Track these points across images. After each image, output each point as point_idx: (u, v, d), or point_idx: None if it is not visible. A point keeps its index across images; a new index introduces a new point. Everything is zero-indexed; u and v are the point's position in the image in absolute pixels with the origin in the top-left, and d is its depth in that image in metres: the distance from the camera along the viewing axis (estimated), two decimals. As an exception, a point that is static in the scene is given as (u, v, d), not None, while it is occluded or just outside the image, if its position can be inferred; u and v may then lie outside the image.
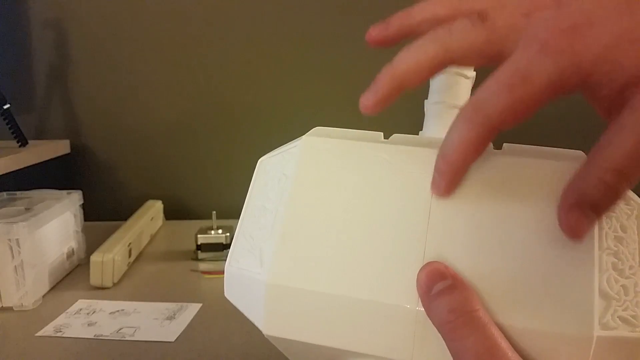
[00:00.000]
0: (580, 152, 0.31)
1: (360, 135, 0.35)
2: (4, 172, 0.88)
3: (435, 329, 0.28)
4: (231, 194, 1.09)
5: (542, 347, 0.27)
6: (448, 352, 0.27)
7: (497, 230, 0.29)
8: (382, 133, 0.35)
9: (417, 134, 0.38)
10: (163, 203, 1.03)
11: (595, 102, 0.27)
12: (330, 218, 0.32)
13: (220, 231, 0.83)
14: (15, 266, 0.66)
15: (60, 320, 0.64)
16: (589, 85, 0.25)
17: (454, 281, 0.27)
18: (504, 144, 0.33)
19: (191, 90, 1.06)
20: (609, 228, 0.29)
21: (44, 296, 0.70)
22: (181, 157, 1.09)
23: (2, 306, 0.66)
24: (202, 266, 0.80)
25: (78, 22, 1.05)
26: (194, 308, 0.66)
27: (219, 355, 0.56)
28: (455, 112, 0.34)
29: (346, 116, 1.00)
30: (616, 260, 0.28)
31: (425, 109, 0.40)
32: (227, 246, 0.83)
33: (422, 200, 0.31)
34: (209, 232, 0.83)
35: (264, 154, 0.38)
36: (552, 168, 0.30)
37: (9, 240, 0.65)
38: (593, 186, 0.25)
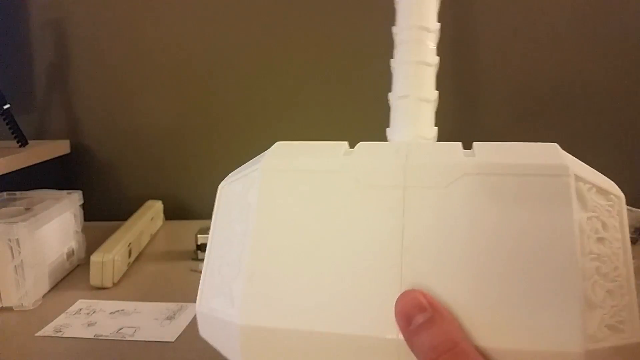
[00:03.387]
0: (553, 145, 0.30)
1: (324, 150, 0.33)
2: (4, 172, 0.88)
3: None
4: (231, 194, 1.08)
5: None
6: None
7: (473, 247, 0.28)
8: (347, 143, 0.33)
9: (385, 130, 0.37)
10: (163, 203, 1.03)
11: None
12: (298, 250, 0.30)
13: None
14: (15, 266, 0.66)
15: (60, 320, 0.64)
16: None
17: (434, 312, 0.26)
18: (474, 143, 0.31)
19: (192, 90, 1.06)
20: (590, 230, 0.27)
21: (44, 296, 0.70)
22: (181, 157, 1.09)
23: (2, 306, 0.66)
24: (202, 266, 0.80)
25: (78, 22, 1.05)
26: (194, 308, 0.66)
27: (219, 355, 0.56)
28: (422, 105, 0.33)
29: (341, 114, 1.01)
30: (600, 264, 0.27)
31: (390, 103, 0.38)
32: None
33: (393, 220, 0.29)
34: (209, 232, 0.83)
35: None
36: (528, 180, 0.28)
37: (9, 240, 0.65)
38: None
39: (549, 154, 0.29)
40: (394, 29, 0.37)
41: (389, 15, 1.01)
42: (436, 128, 0.35)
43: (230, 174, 0.35)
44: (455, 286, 0.27)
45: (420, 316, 0.26)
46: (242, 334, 0.30)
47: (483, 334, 0.27)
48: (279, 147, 0.35)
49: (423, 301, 0.27)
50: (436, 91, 0.36)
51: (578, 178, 0.28)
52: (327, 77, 1.04)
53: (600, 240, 0.28)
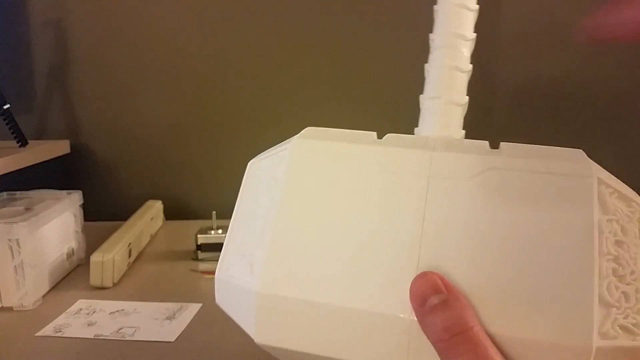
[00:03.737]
0: (579, 151, 0.31)
1: (352, 136, 0.34)
2: (4, 172, 0.88)
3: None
4: (231, 194, 1.08)
5: (539, 357, 0.26)
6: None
7: (493, 237, 0.28)
8: (375, 133, 0.34)
9: (413, 131, 0.38)
10: (163, 203, 1.03)
11: None
12: (321, 225, 0.31)
13: (220, 231, 0.83)
14: (15, 266, 0.66)
15: (60, 320, 0.64)
16: None
17: (449, 295, 0.27)
18: (501, 143, 0.32)
19: (192, 90, 1.06)
20: (609, 232, 0.28)
21: (44, 296, 0.70)
22: (181, 157, 1.09)
23: (2, 306, 0.66)
24: (202, 266, 0.80)
25: (78, 22, 1.05)
26: (194, 308, 0.66)
27: (219, 355, 0.56)
28: (452, 107, 0.34)
29: (341, 115, 1.01)
30: (617, 265, 0.27)
31: (420, 105, 0.39)
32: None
33: (415, 205, 0.30)
34: (209, 232, 0.83)
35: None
36: (552, 179, 0.29)
37: (9, 240, 0.65)
38: None
39: (574, 157, 0.30)
40: (431, 36, 0.39)
41: (389, 15, 1.01)
42: (464, 131, 0.36)
43: (259, 154, 0.36)
44: (471, 272, 0.28)
45: (435, 297, 0.27)
46: (258, 301, 0.31)
47: (494, 321, 0.27)
48: (309, 130, 0.36)
49: (439, 283, 0.27)
50: (467, 96, 0.37)
51: (601, 181, 0.29)
52: (331, 77, 1.04)
53: (619, 243, 0.28)
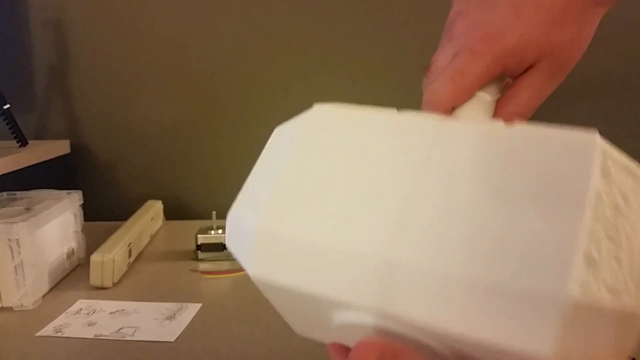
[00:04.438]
0: (592, 129, 0.30)
1: (371, 108, 0.36)
2: (4, 172, 0.88)
3: (404, 274, 0.29)
4: (231, 194, 1.08)
5: (515, 308, 0.26)
6: (416, 299, 0.28)
7: (471, 196, 0.29)
8: (395, 109, 0.36)
9: None
10: (163, 203, 1.03)
11: (511, 76, 0.38)
12: (323, 174, 0.34)
13: (220, 231, 0.83)
14: (15, 266, 0.66)
15: (60, 320, 0.64)
16: (507, 71, 0.36)
17: (395, 355, 0.29)
18: (516, 122, 0.33)
19: (191, 90, 1.07)
20: (608, 200, 0.27)
21: (44, 296, 0.70)
22: (181, 157, 1.09)
23: (2, 306, 0.66)
24: (202, 266, 0.80)
25: (78, 22, 1.05)
26: (194, 308, 0.66)
27: (219, 355, 0.56)
28: (480, 97, 0.36)
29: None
30: (614, 233, 0.27)
31: None
32: (230, 250, 0.83)
33: (413, 165, 0.32)
34: (209, 232, 0.83)
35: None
36: (555, 147, 0.29)
37: (9, 240, 0.65)
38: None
39: (584, 133, 0.30)
40: None
41: (394, 7, 1.01)
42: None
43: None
44: (456, 227, 0.29)
45: None
46: (255, 236, 0.33)
47: (474, 264, 0.27)
48: (332, 104, 0.38)
49: (377, 349, 0.29)
50: (496, 91, 0.38)
51: (606, 153, 0.28)
52: (333, 77, 1.04)
53: (619, 211, 0.27)
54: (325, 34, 1.03)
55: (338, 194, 0.32)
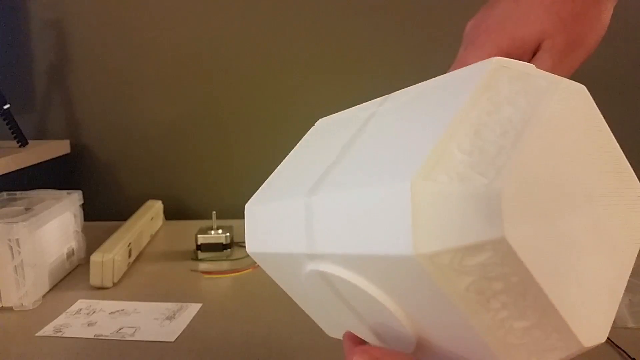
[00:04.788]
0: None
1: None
2: (4, 172, 0.88)
3: (322, 211, 0.31)
4: (231, 194, 1.08)
5: (373, 220, 0.27)
6: (335, 230, 0.30)
7: (382, 134, 0.33)
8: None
9: None
10: (163, 203, 1.03)
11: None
12: (295, 161, 0.41)
13: (220, 231, 0.83)
14: (15, 266, 0.66)
15: (60, 320, 0.64)
16: (513, 56, 0.36)
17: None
18: None
19: (191, 90, 1.07)
20: (488, 103, 0.28)
21: (44, 296, 0.70)
22: (181, 157, 1.09)
23: (2, 306, 0.66)
24: (202, 266, 0.80)
25: (78, 22, 1.05)
26: (194, 308, 0.66)
27: (219, 355, 0.56)
28: None
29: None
30: (483, 128, 0.27)
31: None
32: (227, 246, 0.83)
33: (348, 133, 0.37)
34: (209, 232, 0.83)
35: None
36: (461, 72, 0.33)
37: (9, 240, 0.65)
38: None
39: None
40: None
41: (394, 8, 1.00)
42: None
43: None
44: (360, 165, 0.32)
45: None
46: (247, 215, 0.39)
47: (359, 188, 0.29)
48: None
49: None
50: None
51: (502, 68, 0.30)
52: (332, 77, 1.04)
53: (497, 112, 0.28)
54: (326, 34, 1.03)
55: (295, 171, 0.38)
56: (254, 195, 0.41)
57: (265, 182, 0.42)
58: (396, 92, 0.38)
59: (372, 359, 0.29)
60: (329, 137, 0.40)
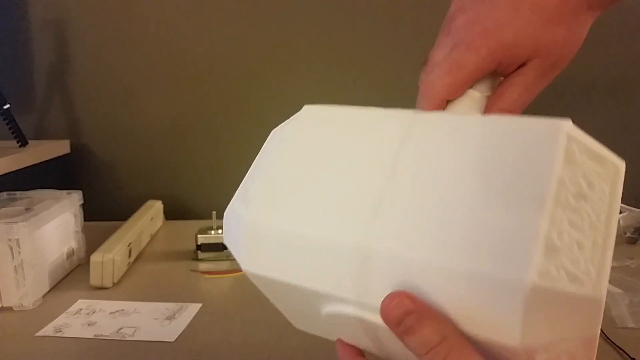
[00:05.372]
0: (566, 119, 0.30)
1: (356, 107, 0.38)
2: (4, 172, 0.88)
3: (381, 266, 0.29)
4: (231, 194, 1.08)
5: (476, 290, 0.26)
6: (389, 289, 0.29)
7: (449, 182, 0.30)
8: (382, 107, 0.38)
9: None
10: (163, 203, 1.03)
11: (503, 74, 0.38)
12: (306, 169, 0.35)
13: (220, 231, 0.83)
14: (15, 266, 0.66)
15: (60, 320, 0.64)
16: (500, 67, 0.37)
17: (420, 313, 0.28)
18: (490, 114, 0.34)
19: (191, 90, 1.07)
20: (571, 184, 0.27)
21: (44, 296, 0.70)
22: (181, 157, 1.09)
23: (2, 306, 0.66)
24: (202, 266, 0.80)
25: (78, 23, 1.05)
26: (194, 308, 0.66)
27: (219, 355, 0.56)
28: (471, 94, 0.37)
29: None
30: (575, 216, 0.27)
31: None
32: (227, 246, 0.83)
33: (387, 154, 0.33)
34: (209, 232, 0.83)
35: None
36: (521, 134, 0.30)
37: (9, 240, 0.65)
38: None
39: (554, 120, 0.30)
40: None
41: (391, 7, 1.01)
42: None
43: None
44: (426, 213, 0.29)
45: (408, 318, 0.28)
46: (245, 230, 0.35)
47: (443, 253, 0.28)
48: (320, 105, 0.40)
49: (409, 304, 0.29)
50: (487, 87, 0.39)
51: (572, 139, 0.29)
52: (333, 77, 1.04)
53: (582, 196, 0.27)
54: (324, 34, 1.03)
55: (318, 186, 0.34)
56: (238, 196, 0.37)
57: (253, 179, 0.37)
58: (427, 114, 0.35)
59: None
60: (346, 145, 0.35)
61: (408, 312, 0.28)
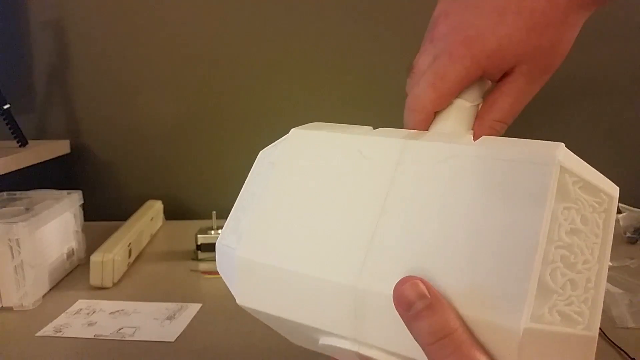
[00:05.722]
0: (558, 143, 0.30)
1: (347, 129, 0.37)
2: (4, 172, 0.88)
3: (377, 307, 0.29)
4: (231, 194, 1.08)
5: (479, 336, 0.27)
6: (385, 329, 0.29)
7: (446, 219, 0.29)
8: (371, 127, 0.37)
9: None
10: (163, 203, 1.03)
11: (491, 79, 0.38)
12: (297, 202, 0.34)
13: (220, 231, 0.83)
14: (15, 266, 0.66)
15: (60, 320, 0.64)
16: (486, 74, 0.36)
17: (433, 300, 0.28)
18: (483, 137, 0.33)
19: (191, 90, 1.07)
20: (564, 220, 0.27)
21: (44, 296, 0.70)
22: (181, 157, 1.09)
23: (2, 306, 0.66)
24: (202, 266, 0.80)
25: (78, 23, 1.05)
26: (194, 308, 0.66)
27: (219, 355, 0.56)
28: (461, 105, 0.37)
29: (341, 114, 1.01)
30: (568, 253, 0.27)
31: None
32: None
33: (380, 186, 0.32)
34: (209, 232, 0.83)
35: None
36: (512, 166, 0.29)
37: (9, 240, 0.65)
38: (487, 130, 0.36)
39: (547, 148, 0.30)
40: None
41: (390, 13, 1.01)
42: (471, 131, 0.37)
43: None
44: (419, 249, 0.29)
45: (420, 302, 0.27)
46: (239, 265, 0.34)
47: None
48: (313, 124, 0.39)
49: (423, 288, 0.28)
50: (480, 98, 0.38)
51: (565, 170, 0.28)
52: (332, 77, 1.04)
53: (575, 231, 0.27)
54: (326, 36, 1.03)
55: (310, 223, 0.33)
56: (229, 225, 0.37)
57: (244, 208, 0.37)
58: (418, 142, 0.34)
59: None
60: (337, 176, 0.34)
61: (421, 296, 0.27)
